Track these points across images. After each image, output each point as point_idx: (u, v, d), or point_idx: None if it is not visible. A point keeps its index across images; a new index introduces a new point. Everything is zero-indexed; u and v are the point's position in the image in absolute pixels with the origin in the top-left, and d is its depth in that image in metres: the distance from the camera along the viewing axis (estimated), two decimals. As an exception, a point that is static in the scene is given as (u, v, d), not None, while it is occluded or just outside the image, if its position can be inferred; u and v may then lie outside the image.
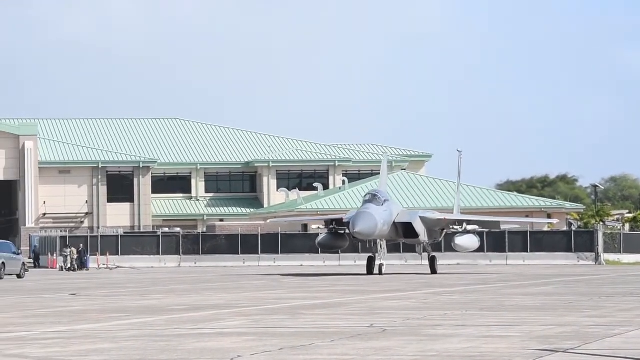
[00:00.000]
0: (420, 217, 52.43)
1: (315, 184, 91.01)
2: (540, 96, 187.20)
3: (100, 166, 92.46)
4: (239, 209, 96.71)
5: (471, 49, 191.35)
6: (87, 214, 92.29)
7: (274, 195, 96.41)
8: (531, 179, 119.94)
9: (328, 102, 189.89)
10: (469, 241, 54.22)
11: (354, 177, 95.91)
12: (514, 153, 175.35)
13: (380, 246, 51.15)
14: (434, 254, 53.81)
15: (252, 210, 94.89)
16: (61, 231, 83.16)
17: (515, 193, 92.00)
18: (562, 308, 23.62)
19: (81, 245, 72.50)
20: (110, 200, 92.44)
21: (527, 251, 73.02)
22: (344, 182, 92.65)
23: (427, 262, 54.16)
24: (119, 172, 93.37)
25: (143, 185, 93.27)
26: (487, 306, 24.54)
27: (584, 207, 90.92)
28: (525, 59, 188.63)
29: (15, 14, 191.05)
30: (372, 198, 51.31)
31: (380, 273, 49.68)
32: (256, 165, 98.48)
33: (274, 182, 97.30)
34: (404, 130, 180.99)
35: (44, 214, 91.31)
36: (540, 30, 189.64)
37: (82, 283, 44.29)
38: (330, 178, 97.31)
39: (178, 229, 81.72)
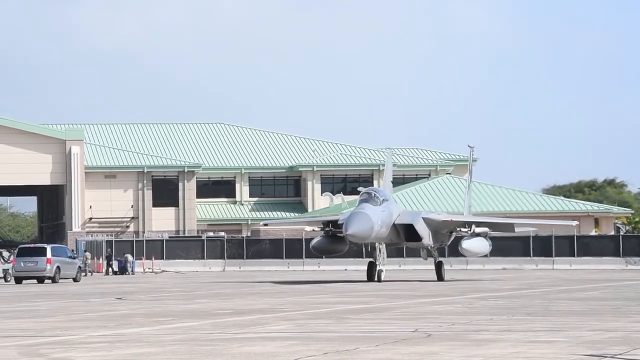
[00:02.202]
0: (423, 218, 47.94)
1: (359, 188, 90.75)
2: (589, 99, 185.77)
3: (145, 171, 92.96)
4: (283, 213, 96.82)
5: (517, 50, 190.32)
6: (132, 218, 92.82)
7: (318, 199, 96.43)
8: (578, 183, 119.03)
9: (373, 106, 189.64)
10: (477, 245, 48.36)
11: (398, 181, 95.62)
12: (561, 157, 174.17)
13: (379, 250, 46.86)
14: (440, 259, 49.44)
15: (296, 214, 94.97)
16: (107, 235, 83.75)
17: (562, 197, 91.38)
18: (610, 313, 23.37)
19: (109, 250, 73.11)
20: (155, 204, 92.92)
21: (574, 255, 72.44)
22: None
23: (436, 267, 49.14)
24: (164, 176, 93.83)
25: (188, 189, 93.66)
26: (534, 311, 24.34)
27: (632, 211, 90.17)
28: (573, 61, 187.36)
29: (62, 20, 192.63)
30: (369, 197, 46.42)
31: (379, 280, 45.61)
32: (300, 169, 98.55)
33: (318, 187, 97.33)
34: (449, 134, 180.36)
35: (90, 219, 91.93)
36: (585, 31, 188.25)
37: (127, 287, 44.52)
38: (375, 182, 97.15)
39: (222, 233, 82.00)
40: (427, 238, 47.64)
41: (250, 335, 17.96)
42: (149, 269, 74.85)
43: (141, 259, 75.74)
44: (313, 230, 51.99)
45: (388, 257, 48.88)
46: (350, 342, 16.34)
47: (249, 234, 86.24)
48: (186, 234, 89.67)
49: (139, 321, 21.94)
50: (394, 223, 46.66)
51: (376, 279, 45.83)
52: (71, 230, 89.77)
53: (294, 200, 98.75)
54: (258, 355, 14.71)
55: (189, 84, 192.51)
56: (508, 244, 72.67)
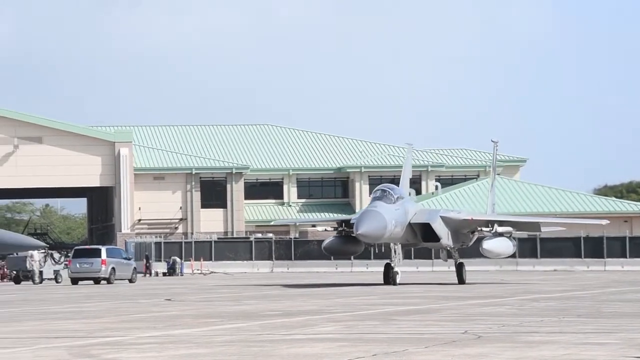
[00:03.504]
0: (441, 217, 44.99)
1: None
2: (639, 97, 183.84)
3: (193, 172, 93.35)
4: (330, 214, 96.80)
5: (565, 50, 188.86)
6: (181, 219, 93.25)
7: (366, 200, 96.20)
8: (630, 183, 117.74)
9: (421, 106, 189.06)
10: (500, 245, 45.62)
11: (446, 182, 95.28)
12: (612, 157, 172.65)
13: (395, 251, 43.96)
14: (461, 260, 46.47)
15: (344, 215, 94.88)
16: (156, 237, 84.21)
17: (614, 198, 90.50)
18: (662, 315, 23.07)
19: (146, 254, 73.60)
20: (203, 206, 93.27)
21: (626, 257, 71.69)
22: (436, 187, 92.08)
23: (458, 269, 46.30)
24: (212, 178, 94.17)
25: (236, 191, 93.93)
26: (585, 313, 24.09)
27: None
28: (622, 59, 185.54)
29: (113, 23, 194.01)
30: (382, 194, 43.39)
31: (394, 283, 42.89)
32: (348, 170, 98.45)
33: (366, 188, 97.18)
34: (499, 135, 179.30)
35: (139, 220, 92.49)
36: (634, 28, 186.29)
37: (177, 288, 44.71)
38: (423, 183, 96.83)
39: (270, 235, 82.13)
40: (445, 238, 44.94)
41: (299, 337, 17.93)
42: (198, 270, 75.12)
43: (190, 261, 76.05)
44: (325, 230, 49.48)
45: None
46: (399, 344, 16.25)
47: (297, 235, 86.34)
48: (234, 236, 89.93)
49: (187, 322, 22.00)
50: (409, 222, 43.95)
51: (392, 282, 43.17)
52: (120, 231, 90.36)
53: (341, 202, 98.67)
54: (307, 357, 14.67)
55: (237, 85, 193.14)
56: (559, 245, 72.14)
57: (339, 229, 45.31)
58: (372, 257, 66.08)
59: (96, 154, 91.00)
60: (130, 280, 55.88)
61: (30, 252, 59.87)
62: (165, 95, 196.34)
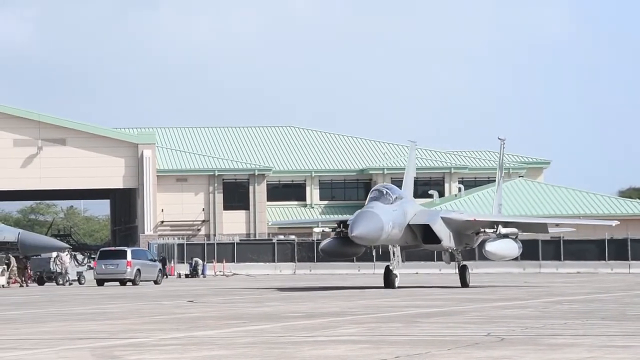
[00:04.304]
0: (442, 217, 43.13)
1: (430, 191, 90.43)
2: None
3: (216, 174, 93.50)
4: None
5: (592, 51, 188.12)
6: (203, 221, 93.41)
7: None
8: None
9: (443, 108, 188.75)
10: (503, 247, 43.74)
11: (470, 184, 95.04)
12: (637, 159, 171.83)
13: (394, 254, 41.96)
14: (464, 262, 44.90)
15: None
16: (178, 239, 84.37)
17: (638, 200, 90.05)
18: (687, 318, 22.92)
19: (163, 256, 73.82)
20: (226, 207, 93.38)
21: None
22: (459, 189, 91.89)
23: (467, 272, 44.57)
24: (235, 179, 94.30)
25: (258, 192, 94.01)
26: (609, 315, 23.96)
27: None
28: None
29: (134, 25, 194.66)
30: (379, 195, 41.56)
31: (393, 286, 40.99)
32: (371, 172, 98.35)
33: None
34: (522, 137, 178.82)
35: (162, 222, 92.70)
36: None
37: (199, 290, 44.77)
38: (446, 185, 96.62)
39: (293, 237, 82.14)
40: (447, 240, 42.87)
41: (322, 339, 17.90)
42: (220, 272, 75.21)
43: (212, 262, 76.17)
44: (323, 231, 47.63)
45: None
46: (422, 346, 16.20)
47: (320, 237, 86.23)
48: (257, 237, 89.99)
49: (210, 324, 22.01)
50: (409, 224, 41.95)
51: (390, 285, 41.26)
52: (143, 233, 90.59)
53: (364, 204, 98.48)
54: (329, 359, 14.64)
55: (259, 86, 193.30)
56: (582, 248, 71.83)
57: (337, 229, 43.35)
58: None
59: (119, 155, 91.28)
60: (156, 282, 56.15)
61: (59, 253, 60.27)
62: (188, 97, 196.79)
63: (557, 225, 52.56)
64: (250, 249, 77.55)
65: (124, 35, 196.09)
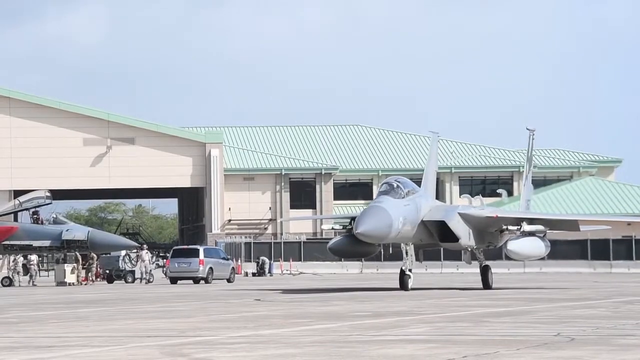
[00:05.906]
0: (459, 213, 39.31)
1: (498, 191, 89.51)
2: None
3: (283, 173, 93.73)
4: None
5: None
6: (270, 220, 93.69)
7: (456, 201, 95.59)
8: None
9: (512, 106, 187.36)
10: (527, 245, 40.04)
11: (539, 183, 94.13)
12: None
13: (407, 253, 38.57)
14: (487, 262, 41.43)
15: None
16: (245, 237, 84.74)
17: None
18: None
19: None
20: (292, 206, 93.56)
21: None
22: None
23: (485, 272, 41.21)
24: (302, 178, 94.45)
25: (325, 191, 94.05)
26: (681, 316, 23.55)
27: None
28: None
29: (202, 24, 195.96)
30: (390, 188, 37.68)
31: (406, 288, 37.97)
32: (438, 171, 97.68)
33: (456, 188, 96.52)
34: (593, 135, 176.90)
35: (229, 220, 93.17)
36: None
37: (266, 289, 44.87)
38: (515, 184, 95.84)
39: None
40: (466, 238, 39.21)
41: (389, 338, 17.82)
42: (287, 270, 75.38)
43: (279, 261, 76.37)
44: (332, 228, 43.68)
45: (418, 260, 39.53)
46: (490, 346, 16.05)
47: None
48: (323, 236, 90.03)
49: (277, 322, 22.03)
50: (422, 220, 38.34)
51: (404, 286, 38.27)
52: (211, 232, 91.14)
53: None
54: (397, 358, 14.57)
55: (327, 85, 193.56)
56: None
57: (348, 226, 39.80)
58: (461, 259, 64.53)
59: (187, 154, 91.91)
60: (229, 280, 56.55)
61: (139, 251, 61.07)
62: (255, 96, 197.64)
63: (589, 222, 49.15)
64: (317, 248, 77.60)
65: (193, 34, 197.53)
